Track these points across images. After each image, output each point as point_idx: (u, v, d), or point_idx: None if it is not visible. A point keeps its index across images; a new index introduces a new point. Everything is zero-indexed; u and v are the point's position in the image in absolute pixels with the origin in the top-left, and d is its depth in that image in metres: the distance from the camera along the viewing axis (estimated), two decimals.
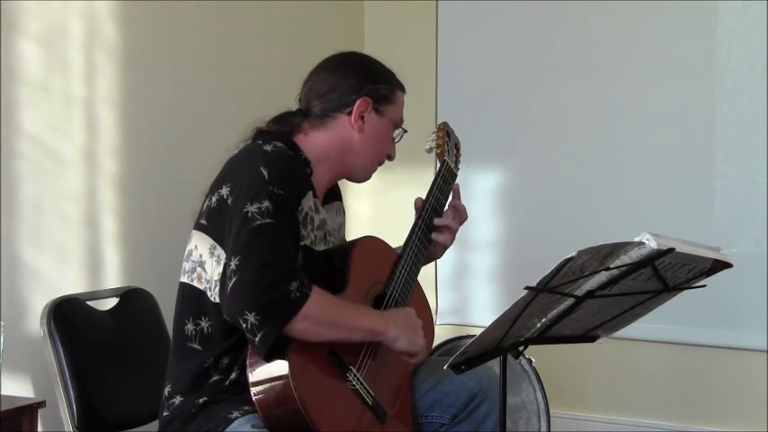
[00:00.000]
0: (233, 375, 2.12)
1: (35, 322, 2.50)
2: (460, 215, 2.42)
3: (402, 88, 2.36)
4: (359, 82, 2.26)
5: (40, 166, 2.69)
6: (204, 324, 2.15)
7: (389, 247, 2.37)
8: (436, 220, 2.38)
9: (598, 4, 3.71)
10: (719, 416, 3.56)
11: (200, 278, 2.16)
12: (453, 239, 2.43)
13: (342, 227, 2.42)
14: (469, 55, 3.96)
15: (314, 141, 2.24)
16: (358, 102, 2.24)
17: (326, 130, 2.25)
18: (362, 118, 2.25)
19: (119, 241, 2.92)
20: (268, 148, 2.15)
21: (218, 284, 2.08)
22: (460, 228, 2.44)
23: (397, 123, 2.33)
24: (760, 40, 3.44)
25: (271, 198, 2.04)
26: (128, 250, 2.94)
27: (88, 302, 2.58)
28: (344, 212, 2.44)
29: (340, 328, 2.08)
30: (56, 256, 2.73)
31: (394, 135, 2.34)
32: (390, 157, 2.36)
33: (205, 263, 2.14)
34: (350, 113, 2.24)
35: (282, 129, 2.25)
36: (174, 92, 3.14)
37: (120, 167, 2.93)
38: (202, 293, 2.15)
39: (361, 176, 2.36)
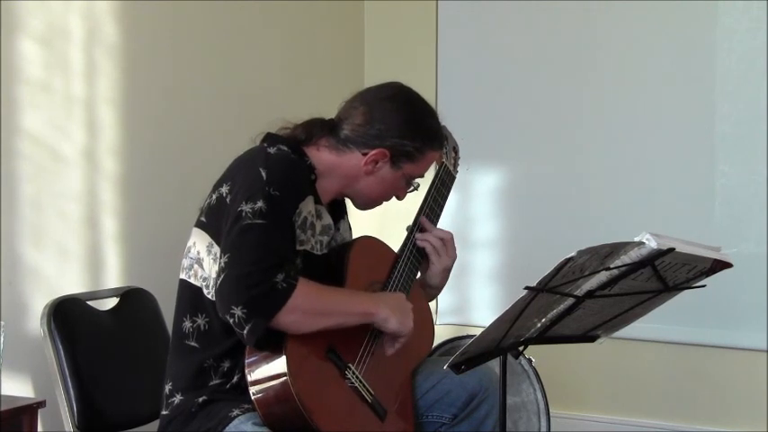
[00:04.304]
0: (234, 380, 2.13)
1: (35, 322, 2.50)
2: (444, 243, 2.38)
3: (437, 146, 2.32)
4: (388, 132, 2.23)
5: (41, 166, 2.69)
6: (201, 321, 2.15)
7: (388, 247, 2.37)
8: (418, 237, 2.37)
9: (598, 5, 3.71)
10: (719, 416, 3.56)
11: (196, 275, 2.17)
12: (449, 258, 2.39)
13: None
14: (469, 55, 3.96)
15: (323, 157, 2.24)
16: (375, 151, 2.23)
17: (338, 155, 2.25)
18: (376, 163, 2.24)
19: (119, 241, 2.92)
20: (272, 150, 2.17)
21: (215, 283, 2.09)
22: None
23: (413, 178, 2.32)
24: (760, 40, 3.44)
25: (266, 199, 2.04)
26: (128, 250, 2.94)
27: (88, 302, 2.58)
28: (350, 230, 2.44)
29: (330, 316, 2.08)
30: (56, 256, 2.73)
31: (407, 187, 2.33)
32: (399, 198, 2.36)
33: (203, 260, 2.15)
34: (365, 154, 2.23)
35: (297, 134, 2.25)
36: (175, 91, 3.15)
37: (121, 167, 2.94)
38: (199, 290, 2.16)
39: (360, 206, 2.36)
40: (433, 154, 2.31)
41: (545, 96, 3.81)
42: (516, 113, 3.87)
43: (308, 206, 2.14)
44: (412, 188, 2.35)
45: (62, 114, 2.76)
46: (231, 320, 1.97)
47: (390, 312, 2.15)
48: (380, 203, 2.36)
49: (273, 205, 2.05)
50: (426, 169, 2.34)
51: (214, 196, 2.16)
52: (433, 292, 2.45)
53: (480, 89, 3.93)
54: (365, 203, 2.35)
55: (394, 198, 2.36)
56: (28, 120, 2.65)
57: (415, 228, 2.38)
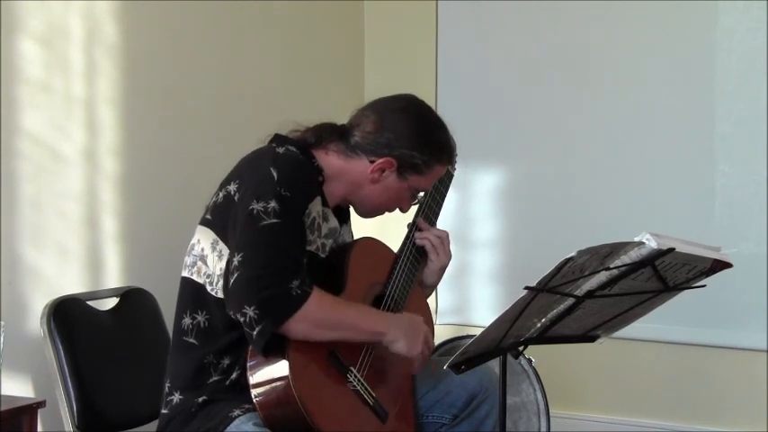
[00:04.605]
0: (233, 376, 2.12)
1: (35, 322, 2.50)
2: (442, 241, 2.39)
3: (446, 161, 2.30)
4: (397, 142, 2.22)
5: (41, 166, 2.69)
6: (201, 318, 2.15)
7: (387, 247, 2.38)
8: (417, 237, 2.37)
9: (598, 4, 3.71)
10: (719, 416, 3.56)
11: (199, 272, 2.17)
12: (446, 256, 2.40)
13: None
14: (469, 55, 3.96)
15: (330, 161, 2.24)
16: (382, 159, 2.22)
17: (346, 160, 2.24)
18: (382, 171, 2.24)
19: (119, 241, 2.92)
20: (280, 150, 2.17)
21: (221, 279, 2.09)
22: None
23: (418, 191, 2.31)
24: (760, 40, 3.44)
25: (277, 199, 2.04)
26: (128, 250, 2.94)
27: (88, 302, 2.58)
28: (352, 237, 2.44)
29: (339, 330, 2.08)
30: (56, 256, 2.73)
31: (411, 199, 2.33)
32: (402, 210, 2.35)
33: (206, 257, 2.15)
34: (373, 161, 2.23)
35: (306, 137, 2.25)
36: (175, 91, 3.15)
37: (121, 167, 2.94)
38: (201, 287, 2.16)
39: (362, 214, 2.36)
40: (440, 168, 2.30)
41: (545, 96, 3.81)
42: (516, 113, 3.87)
43: (316, 207, 2.14)
44: (416, 201, 2.35)
45: (62, 114, 2.76)
46: (242, 319, 1.97)
47: (400, 335, 2.15)
48: (383, 213, 2.35)
49: (285, 205, 2.05)
50: (432, 183, 2.34)
51: (221, 194, 2.16)
52: (427, 291, 2.45)
53: (480, 89, 3.93)
54: (368, 211, 2.34)
55: (398, 210, 2.35)
56: (28, 120, 2.65)
57: (415, 228, 2.38)
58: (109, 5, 2.89)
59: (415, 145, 2.23)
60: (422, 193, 2.35)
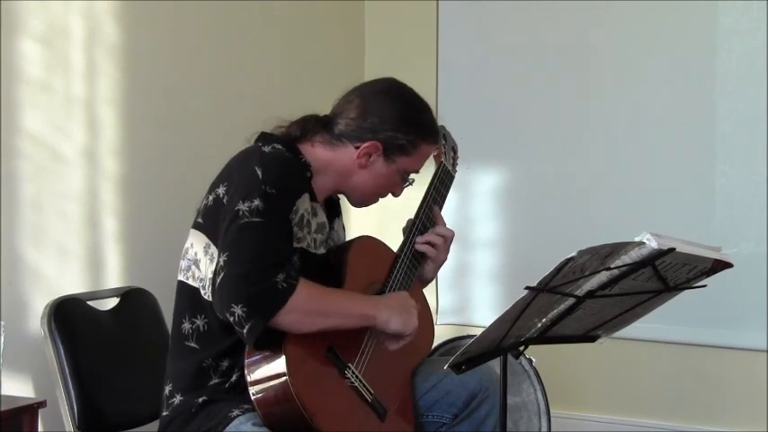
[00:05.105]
0: (233, 378, 2.13)
1: (36, 322, 2.50)
2: (445, 240, 2.39)
3: (431, 141, 2.31)
4: (381, 125, 2.22)
5: (41, 166, 2.69)
6: (200, 322, 2.16)
7: (387, 246, 2.38)
8: (418, 239, 2.37)
9: (598, 5, 3.71)
10: (719, 416, 3.56)
11: (194, 276, 2.17)
12: (446, 254, 2.41)
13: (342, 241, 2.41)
14: (469, 55, 3.96)
15: (317, 153, 2.24)
16: (367, 143, 2.23)
17: (332, 150, 2.25)
18: (369, 156, 2.24)
19: (119, 241, 2.92)
20: (266, 149, 2.17)
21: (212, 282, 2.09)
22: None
23: (408, 173, 2.30)
24: (760, 40, 3.44)
25: (262, 197, 2.04)
26: (128, 250, 2.94)
27: (89, 302, 2.58)
28: (344, 229, 2.45)
29: (330, 317, 2.08)
30: (56, 256, 2.73)
31: (402, 183, 2.32)
32: (395, 195, 2.35)
33: (199, 261, 2.16)
34: (358, 147, 2.23)
35: (291, 132, 2.25)
36: (175, 91, 3.15)
37: (121, 167, 2.94)
38: (197, 291, 2.16)
39: (356, 203, 2.35)
40: (427, 148, 2.30)
41: (545, 96, 3.81)
42: (516, 113, 3.87)
43: (304, 204, 2.14)
44: (407, 184, 2.34)
45: (62, 114, 2.76)
46: (231, 319, 1.97)
47: (392, 314, 2.15)
48: (376, 200, 2.35)
49: (270, 203, 2.05)
50: (421, 164, 2.33)
51: (211, 197, 2.17)
52: (424, 285, 2.45)
53: (480, 89, 3.93)
54: (360, 200, 2.34)
55: (391, 196, 2.35)
56: (28, 120, 2.65)
57: (415, 228, 2.38)
58: (109, 5, 2.89)
59: (399, 126, 2.23)
60: (413, 176, 2.33)
